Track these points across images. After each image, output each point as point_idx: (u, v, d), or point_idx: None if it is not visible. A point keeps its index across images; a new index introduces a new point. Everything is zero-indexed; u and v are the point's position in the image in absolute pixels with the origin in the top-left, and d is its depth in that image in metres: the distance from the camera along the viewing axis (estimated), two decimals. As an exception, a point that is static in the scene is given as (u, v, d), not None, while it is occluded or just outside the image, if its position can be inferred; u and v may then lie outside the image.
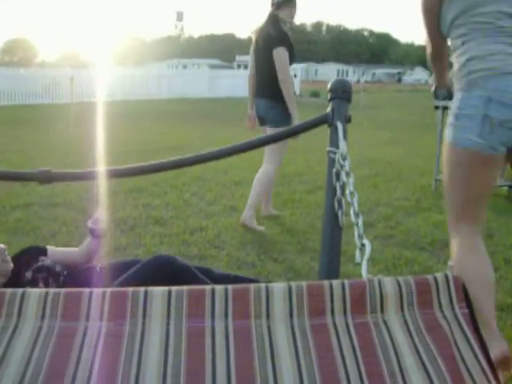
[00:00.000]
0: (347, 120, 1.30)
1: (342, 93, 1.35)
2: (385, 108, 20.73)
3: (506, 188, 6.20)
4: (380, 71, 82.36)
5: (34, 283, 2.59)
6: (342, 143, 1.20)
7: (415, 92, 39.50)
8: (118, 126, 11.51)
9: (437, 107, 6.47)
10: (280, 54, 4.64)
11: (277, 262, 3.89)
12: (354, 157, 6.95)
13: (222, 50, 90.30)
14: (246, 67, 33.52)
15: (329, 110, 1.34)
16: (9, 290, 0.92)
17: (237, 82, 28.22)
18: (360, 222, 1.07)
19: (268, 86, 4.77)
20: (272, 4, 4.77)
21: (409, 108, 21.09)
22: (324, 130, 1.48)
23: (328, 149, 1.25)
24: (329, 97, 1.38)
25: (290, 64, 4.76)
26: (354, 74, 71.55)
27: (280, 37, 4.68)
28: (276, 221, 4.96)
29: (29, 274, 2.63)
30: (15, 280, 2.58)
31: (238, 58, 60.45)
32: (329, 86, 1.39)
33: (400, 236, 4.62)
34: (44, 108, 18.98)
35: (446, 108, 6.37)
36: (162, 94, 25.37)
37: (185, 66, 41.28)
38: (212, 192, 5.90)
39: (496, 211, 5.35)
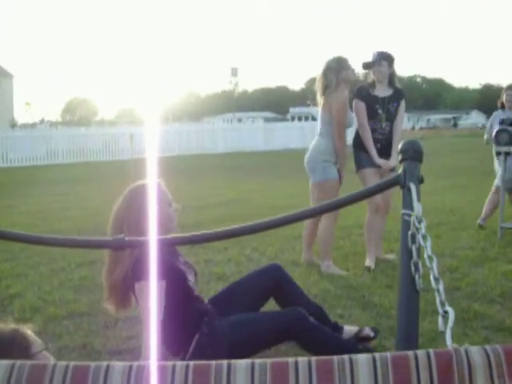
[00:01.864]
0: (420, 181, 1.28)
1: (412, 153, 1.34)
2: (443, 154, 20.41)
3: None
4: (435, 117, 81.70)
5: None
6: (416, 205, 1.18)
7: (472, 136, 38.95)
8: (175, 181, 11.68)
9: (499, 153, 6.35)
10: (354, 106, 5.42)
11: (342, 318, 3.82)
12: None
13: (275, 102, 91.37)
14: (299, 119, 33.77)
15: (400, 171, 1.33)
16: (93, 364, 0.93)
17: (291, 134, 28.45)
18: (441, 287, 1.05)
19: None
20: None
21: (467, 153, 20.73)
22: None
23: (402, 211, 1.24)
24: (400, 158, 1.37)
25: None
26: (408, 121, 71.26)
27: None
28: (339, 275, 4.89)
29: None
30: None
31: (291, 110, 61.07)
32: (399, 146, 1.39)
33: (467, 288, 4.47)
34: (104, 165, 19.54)
35: (508, 153, 6.25)
36: (217, 149, 25.76)
37: (239, 120, 41.89)
38: (273, 247, 5.88)
39: None
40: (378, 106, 5.29)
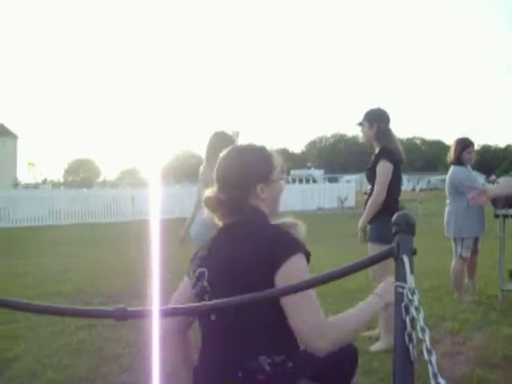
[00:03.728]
0: (413, 253, 1.32)
1: (405, 226, 1.38)
2: (444, 215, 20.47)
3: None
4: (435, 178, 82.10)
5: None
6: (409, 277, 1.22)
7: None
8: (176, 243, 11.72)
9: (497, 216, 6.39)
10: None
11: (343, 384, 3.78)
12: (417, 268, 6.81)
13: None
14: (300, 181, 33.97)
15: (394, 244, 1.37)
16: None
17: (292, 197, 28.62)
18: (433, 359, 1.07)
19: None
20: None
21: (467, 215, 20.73)
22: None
23: (396, 283, 1.27)
24: (393, 230, 1.41)
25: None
26: (408, 183, 71.68)
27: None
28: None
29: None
30: None
31: (292, 172, 61.59)
32: (393, 219, 1.43)
33: (469, 352, 4.45)
34: (106, 226, 19.58)
35: (506, 216, 6.29)
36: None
37: (240, 181, 42.16)
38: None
39: None
40: (367, 170, 5.06)
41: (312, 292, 2.00)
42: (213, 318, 2.11)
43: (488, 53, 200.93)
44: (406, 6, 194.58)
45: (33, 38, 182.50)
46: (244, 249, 2.11)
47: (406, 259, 1.28)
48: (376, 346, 4.58)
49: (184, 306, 1.57)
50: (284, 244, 2.07)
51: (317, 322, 2.00)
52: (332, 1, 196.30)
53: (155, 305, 1.51)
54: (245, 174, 2.24)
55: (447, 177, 6.64)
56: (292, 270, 2.00)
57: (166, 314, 1.39)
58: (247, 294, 1.64)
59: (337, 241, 10.61)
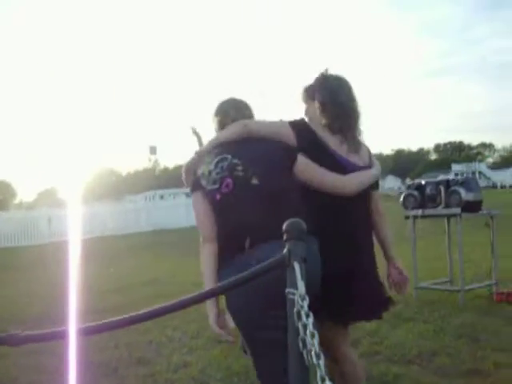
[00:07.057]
0: (304, 260, 1.35)
1: (297, 233, 1.41)
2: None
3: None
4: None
5: None
6: (300, 284, 1.24)
7: (389, 201, 40.16)
8: (95, 263, 11.50)
9: (407, 217, 6.60)
10: None
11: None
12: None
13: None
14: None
15: (285, 251, 1.39)
16: None
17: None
18: (321, 362, 1.10)
19: None
20: None
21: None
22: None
23: (287, 290, 1.30)
24: (284, 237, 1.43)
25: None
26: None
27: None
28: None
29: None
30: None
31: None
32: (284, 226, 1.46)
33: (386, 351, 4.58)
34: (22, 250, 18.89)
35: (416, 217, 6.51)
36: (141, 227, 25.34)
37: (161, 197, 41.65)
38: (195, 324, 5.81)
39: (479, 313, 5.45)
40: None
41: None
42: (255, 181, 2.38)
43: (402, 58, 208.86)
44: None
45: None
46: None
47: (296, 266, 1.30)
48: None
49: (107, 321, 1.53)
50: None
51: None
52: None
53: (71, 325, 1.45)
54: None
55: None
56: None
57: (62, 335, 1.35)
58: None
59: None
